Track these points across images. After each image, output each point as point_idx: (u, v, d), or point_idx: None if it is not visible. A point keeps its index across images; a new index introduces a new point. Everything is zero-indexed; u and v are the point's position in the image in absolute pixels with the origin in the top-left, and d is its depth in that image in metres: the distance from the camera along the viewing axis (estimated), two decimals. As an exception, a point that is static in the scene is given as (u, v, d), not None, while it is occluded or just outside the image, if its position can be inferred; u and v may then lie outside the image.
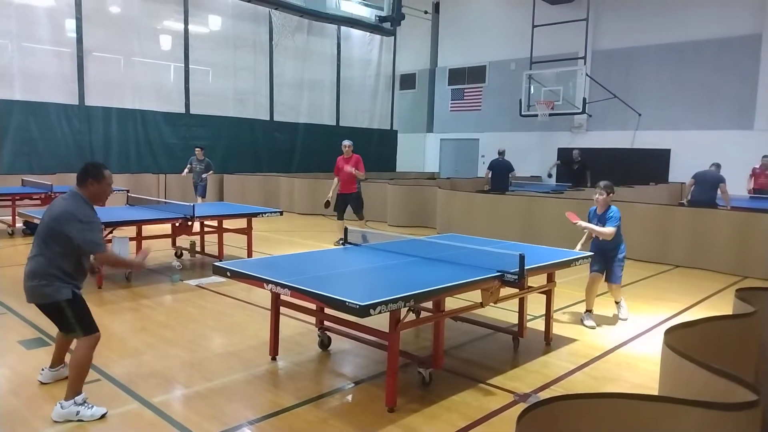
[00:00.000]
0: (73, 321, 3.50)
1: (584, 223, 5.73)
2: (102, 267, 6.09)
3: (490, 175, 14.29)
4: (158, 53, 15.29)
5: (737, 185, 12.34)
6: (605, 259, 5.73)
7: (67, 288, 3.48)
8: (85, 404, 3.46)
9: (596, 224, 5.68)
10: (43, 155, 13.13)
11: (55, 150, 13.27)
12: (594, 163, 16.17)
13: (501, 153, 14.50)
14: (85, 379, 3.57)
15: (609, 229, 5.54)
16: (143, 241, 7.40)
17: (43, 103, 13.14)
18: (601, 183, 5.78)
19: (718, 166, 10.76)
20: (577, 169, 15.57)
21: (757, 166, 13.15)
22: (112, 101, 14.31)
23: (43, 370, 3.97)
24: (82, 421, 3.40)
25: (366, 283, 4.07)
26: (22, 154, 12.93)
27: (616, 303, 6.01)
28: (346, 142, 9.84)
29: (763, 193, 12.84)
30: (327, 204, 9.80)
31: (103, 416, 3.46)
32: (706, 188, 10.41)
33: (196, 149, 12.92)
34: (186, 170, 12.93)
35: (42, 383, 3.91)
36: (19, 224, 10.22)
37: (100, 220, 3.67)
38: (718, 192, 10.32)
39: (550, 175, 17.07)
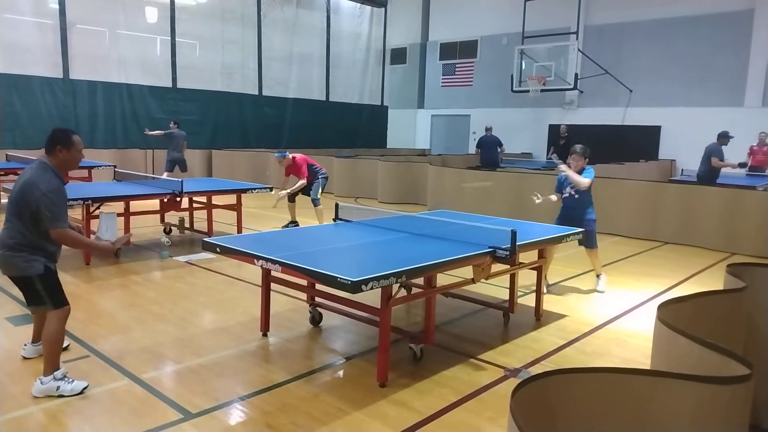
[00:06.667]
0: (43, 294, 3.43)
1: (564, 167, 5.89)
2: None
3: (479, 152, 14.26)
4: (144, 26, 14.98)
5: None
6: (572, 222, 5.69)
7: (38, 261, 3.39)
8: (65, 378, 3.42)
9: (569, 184, 5.85)
10: (27, 129, 12.90)
11: (40, 124, 13.02)
12: (584, 140, 16.10)
13: (488, 129, 14.48)
14: (60, 353, 3.53)
15: (585, 180, 5.73)
16: (131, 218, 7.33)
17: (27, 76, 12.87)
18: (578, 147, 5.91)
19: (721, 136, 10.68)
20: (564, 144, 15.59)
21: (755, 144, 13.15)
22: (98, 75, 14.05)
23: (25, 345, 3.93)
24: (63, 396, 3.37)
25: (357, 259, 4.04)
26: (6, 128, 12.70)
27: (597, 276, 6.11)
28: (275, 157, 8.88)
29: (760, 171, 12.86)
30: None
31: (83, 390, 3.43)
32: (703, 161, 10.69)
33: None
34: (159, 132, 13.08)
35: (25, 358, 3.88)
36: (5, 200, 10.07)
37: (66, 194, 3.51)
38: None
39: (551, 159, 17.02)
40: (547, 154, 17.06)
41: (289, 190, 8.69)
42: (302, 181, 8.74)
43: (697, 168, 11.11)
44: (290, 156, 8.80)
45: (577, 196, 5.84)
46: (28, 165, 3.58)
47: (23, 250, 3.37)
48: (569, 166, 5.89)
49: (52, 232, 3.35)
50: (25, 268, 3.38)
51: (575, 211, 5.86)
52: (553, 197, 5.98)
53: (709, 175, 10.51)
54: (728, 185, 9.67)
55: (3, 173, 10.05)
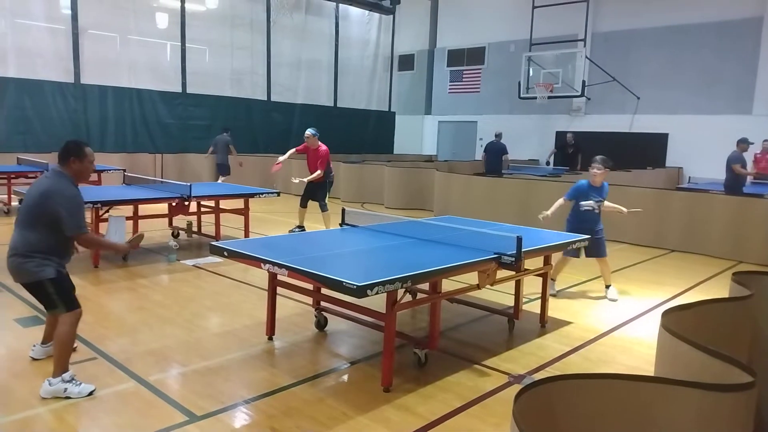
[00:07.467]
0: (55, 298, 3.48)
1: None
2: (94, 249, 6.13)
3: (485, 158, 14.27)
4: (154, 31, 15.11)
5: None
6: (583, 234, 5.52)
7: (50, 266, 3.45)
8: (73, 381, 3.46)
9: (595, 197, 5.88)
10: (38, 133, 13.03)
11: (51, 128, 13.17)
12: (591, 147, 16.10)
13: (497, 135, 14.49)
14: (70, 355, 3.57)
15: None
16: (140, 221, 7.38)
17: (38, 80, 13.01)
18: (598, 157, 5.90)
19: (741, 142, 10.72)
20: (571, 153, 15.56)
21: (758, 152, 13.11)
22: (108, 79, 14.18)
23: (34, 346, 3.97)
24: (70, 398, 3.40)
25: (363, 264, 4.06)
26: (17, 132, 12.83)
27: (608, 287, 6.08)
28: (307, 132, 8.69)
29: (764, 178, 12.80)
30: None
31: (90, 393, 3.46)
32: (726, 169, 10.76)
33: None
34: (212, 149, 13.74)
35: (34, 359, 3.92)
36: (15, 203, 10.17)
37: (83, 201, 3.66)
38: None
39: (548, 163, 17.05)
40: (547, 158, 17.08)
41: (306, 179, 8.75)
42: (319, 172, 8.68)
43: (704, 176, 11.12)
44: (319, 142, 8.72)
45: (597, 211, 5.90)
46: (42, 174, 3.66)
47: (35, 256, 3.43)
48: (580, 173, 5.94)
49: (78, 238, 3.52)
50: (36, 273, 3.43)
51: (588, 223, 5.84)
52: (558, 202, 5.91)
53: (733, 182, 10.52)
54: (737, 193, 9.64)
55: (14, 176, 10.15)
